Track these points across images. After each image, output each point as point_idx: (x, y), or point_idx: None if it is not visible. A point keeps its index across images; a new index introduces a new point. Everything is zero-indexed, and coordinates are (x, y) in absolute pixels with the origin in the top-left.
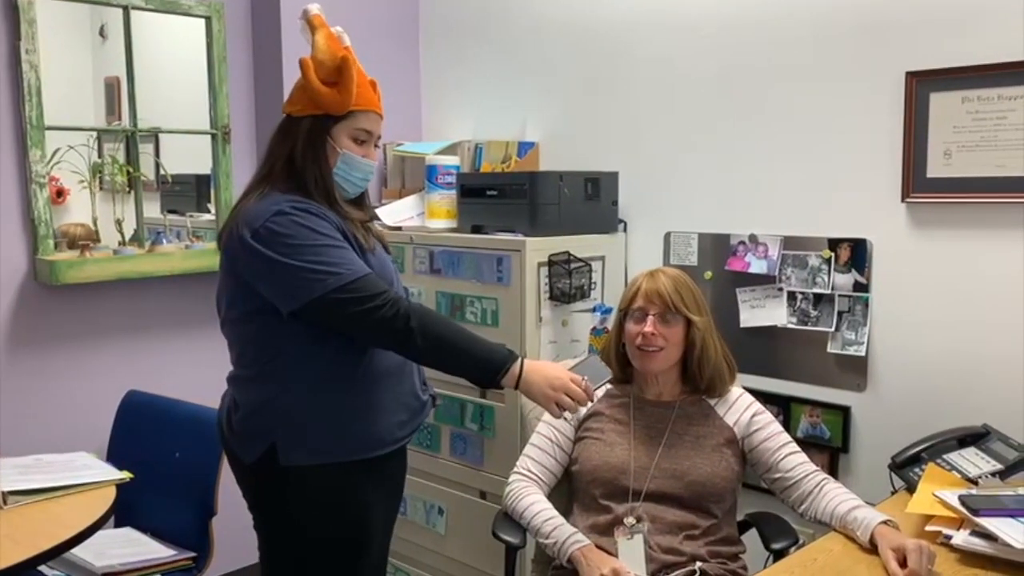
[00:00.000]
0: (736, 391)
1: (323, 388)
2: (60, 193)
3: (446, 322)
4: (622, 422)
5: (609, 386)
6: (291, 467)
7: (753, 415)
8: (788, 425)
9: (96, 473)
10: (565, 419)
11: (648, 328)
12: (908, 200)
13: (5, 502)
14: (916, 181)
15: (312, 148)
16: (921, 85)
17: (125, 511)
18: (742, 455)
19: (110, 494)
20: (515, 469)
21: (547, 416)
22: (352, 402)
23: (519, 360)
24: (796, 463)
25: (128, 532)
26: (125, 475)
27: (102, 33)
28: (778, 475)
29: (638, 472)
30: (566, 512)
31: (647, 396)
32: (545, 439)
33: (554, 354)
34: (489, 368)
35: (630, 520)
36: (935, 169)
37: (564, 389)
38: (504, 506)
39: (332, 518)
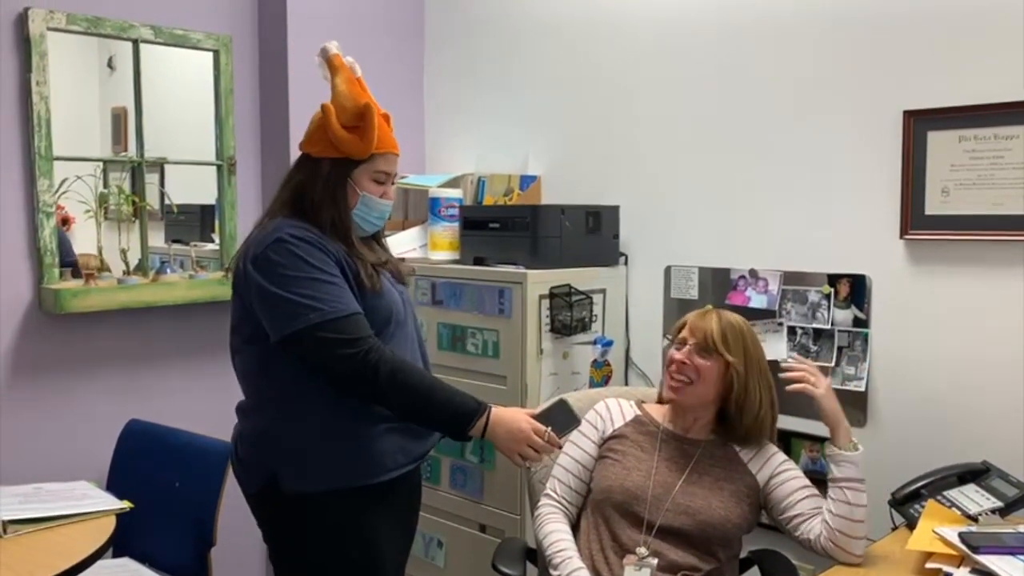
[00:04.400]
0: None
1: (320, 414)
2: (66, 222)
3: (419, 377)
4: (645, 449)
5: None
6: (293, 495)
7: (778, 466)
8: None
9: (96, 502)
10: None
11: (680, 356)
12: (907, 237)
13: (5, 531)
14: (914, 218)
15: (331, 190)
16: (918, 124)
17: (124, 541)
18: (759, 505)
19: (109, 524)
20: (544, 491)
21: (574, 434)
22: (349, 427)
23: (486, 413)
24: (815, 504)
25: (126, 562)
26: (125, 504)
27: (111, 65)
28: (795, 512)
29: (653, 503)
30: (576, 525)
31: (675, 430)
32: (571, 460)
33: (555, 386)
34: (456, 424)
35: (642, 551)
36: (933, 206)
37: (527, 442)
38: (534, 530)
39: (339, 547)
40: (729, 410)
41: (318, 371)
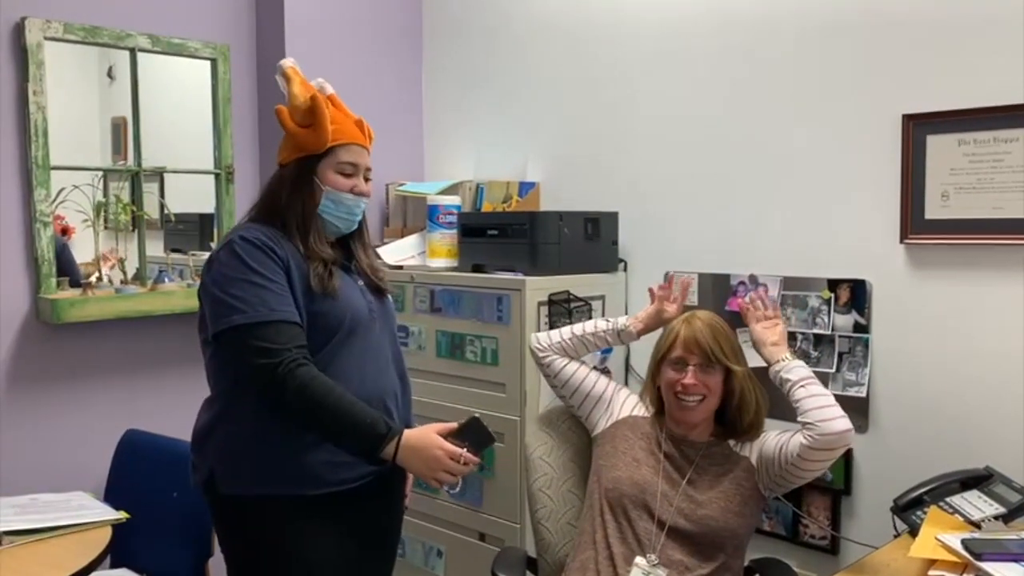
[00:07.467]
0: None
1: (260, 418)
2: (65, 231)
3: (327, 395)
4: (648, 449)
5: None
6: (229, 497)
7: (763, 436)
8: None
9: (92, 513)
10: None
11: (689, 380)
12: (907, 241)
13: (0, 542)
14: (914, 222)
15: (298, 189)
16: (918, 128)
17: (121, 551)
18: (759, 492)
19: (106, 535)
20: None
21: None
22: (288, 435)
23: (396, 439)
24: (793, 431)
25: (124, 573)
26: (122, 515)
27: (110, 74)
28: (781, 444)
29: (662, 499)
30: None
31: (676, 432)
32: (588, 372)
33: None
34: (365, 445)
35: (652, 558)
36: (933, 211)
37: (442, 468)
38: (530, 344)
39: (270, 557)
40: (729, 412)
41: (240, 376)
